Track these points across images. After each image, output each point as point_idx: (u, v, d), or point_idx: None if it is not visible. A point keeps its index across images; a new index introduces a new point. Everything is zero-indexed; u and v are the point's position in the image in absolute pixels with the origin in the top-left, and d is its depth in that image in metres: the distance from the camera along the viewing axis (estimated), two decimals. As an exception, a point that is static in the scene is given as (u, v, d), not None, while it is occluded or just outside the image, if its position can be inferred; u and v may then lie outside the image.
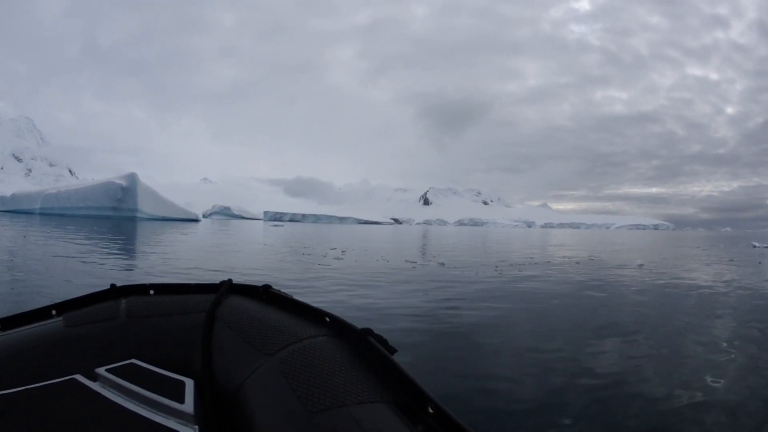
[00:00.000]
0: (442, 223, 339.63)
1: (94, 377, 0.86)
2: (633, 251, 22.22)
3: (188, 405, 0.80)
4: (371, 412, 0.71)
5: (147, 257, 12.56)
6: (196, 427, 0.76)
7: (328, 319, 0.98)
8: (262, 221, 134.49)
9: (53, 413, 0.72)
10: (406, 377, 0.76)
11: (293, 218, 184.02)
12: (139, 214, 71.01)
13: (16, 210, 79.03)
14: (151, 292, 1.19)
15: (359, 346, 0.88)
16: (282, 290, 1.15)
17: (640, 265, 13.07)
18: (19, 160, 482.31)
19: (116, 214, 69.51)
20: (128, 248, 15.61)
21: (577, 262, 14.32)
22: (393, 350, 0.85)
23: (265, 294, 1.15)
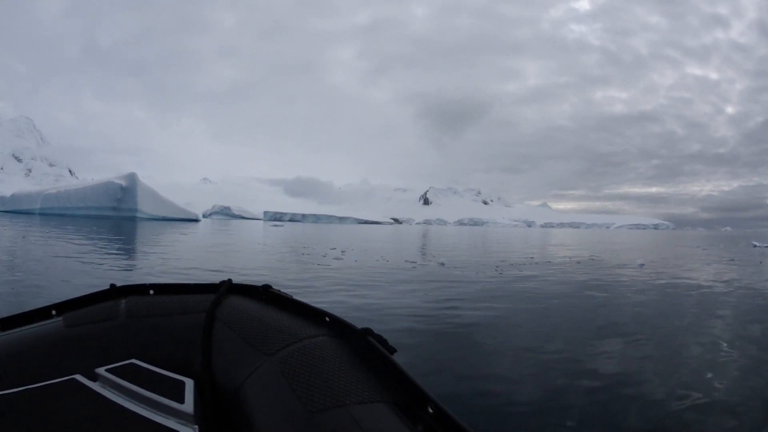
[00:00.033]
0: (442, 222, 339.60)
1: (94, 377, 0.86)
2: (633, 251, 22.21)
3: (188, 405, 0.80)
4: (371, 412, 0.71)
5: (147, 257, 12.55)
6: (196, 427, 0.76)
7: (327, 319, 0.98)
8: (262, 221, 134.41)
9: (53, 413, 0.72)
10: (406, 377, 0.76)
11: (293, 218, 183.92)
12: (138, 214, 70.99)
13: (15, 210, 79.02)
14: (151, 292, 1.20)
15: (359, 346, 0.88)
16: (282, 290, 1.15)
17: (642, 265, 13.06)
18: (19, 160, 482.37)
19: (116, 214, 69.51)
20: (128, 248, 15.61)
21: (578, 262, 14.31)
22: (393, 350, 0.85)
23: (264, 294, 1.15)
